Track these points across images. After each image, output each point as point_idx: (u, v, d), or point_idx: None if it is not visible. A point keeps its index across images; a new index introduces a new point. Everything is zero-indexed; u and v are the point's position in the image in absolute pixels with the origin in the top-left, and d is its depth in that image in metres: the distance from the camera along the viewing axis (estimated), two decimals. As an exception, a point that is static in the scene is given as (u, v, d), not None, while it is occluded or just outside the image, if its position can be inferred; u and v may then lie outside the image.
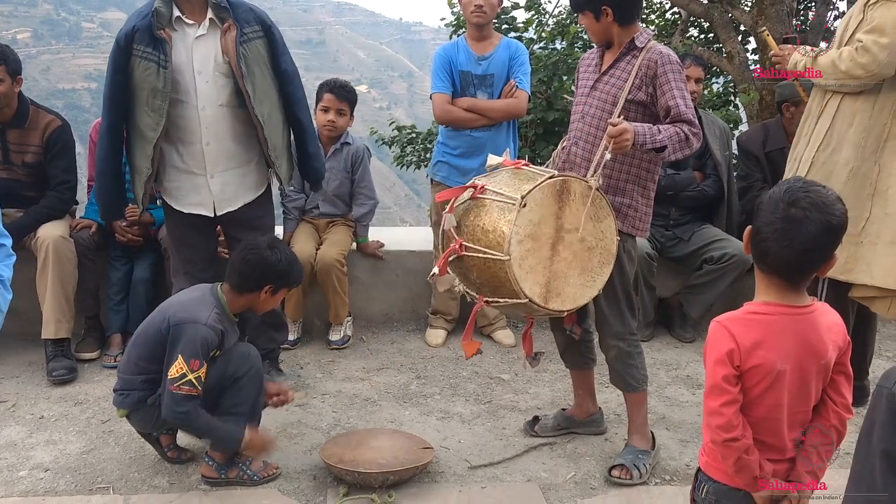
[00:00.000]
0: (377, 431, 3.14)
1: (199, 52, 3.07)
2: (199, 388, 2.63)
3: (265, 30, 3.14)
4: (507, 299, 2.59)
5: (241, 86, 3.04)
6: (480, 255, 2.57)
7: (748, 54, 7.77)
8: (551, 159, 3.03)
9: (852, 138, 3.06)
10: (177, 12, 3.05)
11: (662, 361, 4.02)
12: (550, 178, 2.57)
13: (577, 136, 2.88)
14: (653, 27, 8.94)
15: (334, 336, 4.08)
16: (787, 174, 3.39)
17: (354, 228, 4.24)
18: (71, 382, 3.56)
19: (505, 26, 7.12)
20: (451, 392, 3.61)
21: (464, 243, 2.61)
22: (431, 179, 4.19)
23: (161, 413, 2.66)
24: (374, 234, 4.43)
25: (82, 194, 4.12)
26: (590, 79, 2.89)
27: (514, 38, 6.98)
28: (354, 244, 4.25)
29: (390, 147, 8.16)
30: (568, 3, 8.51)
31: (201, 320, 2.66)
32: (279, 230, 3.94)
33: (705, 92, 8.09)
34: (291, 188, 3.47)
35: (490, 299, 2.64)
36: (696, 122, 2.70)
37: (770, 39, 3.61)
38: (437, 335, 4.18)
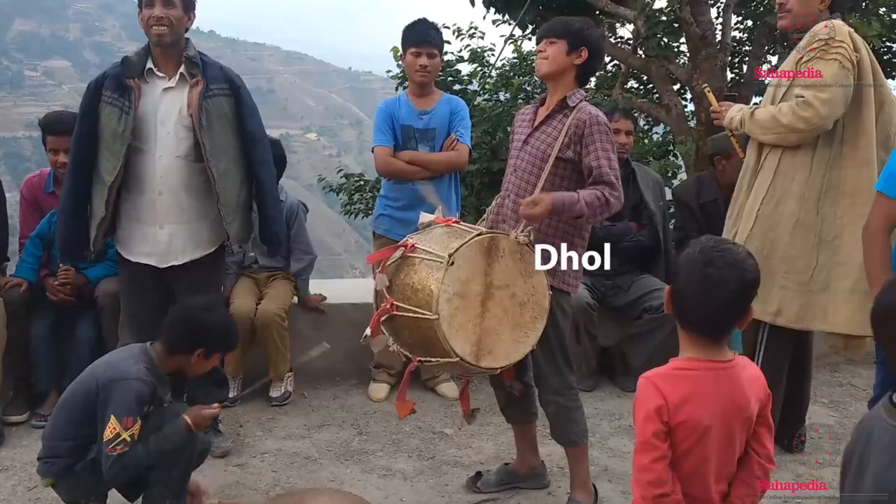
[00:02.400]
0: (317, 491, 3.07)
1: (164, 104, 3.12)
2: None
3: (233, 89, 3.20)
4: (439, 358, 2.58)
5: (199, 137, 3.06)
6: (411, 314, 2.56)
7: (686, 105, 8.05)
8: (486, 214, 3.06)
9: (795, 191, 3.14)
10: (150, 64, 3.13)
11: (605, 411, 4.03)
12: (478, 235, 2.59)
13: (509, 190, 2.92)
14: (594, 79, 9.19)
15: (275, 392, 4.00)
16: (729, 228, 3.44)
17: (295, 282, 4.20)
18: (-4, 448, 3.42)
19: (450, 79, 7.25)
20: (394, 448, 3.56)
21: (395, 303, 2.60)
22: (374, 232, 4.19)
23: (102, 478, 2.55)
24: (317, 286, 4.38)
25: (17, 248, 3.99)
26: (523, 133, 2.94)
27: (459, 90, 7.13)
28: (296, 298, 4.21)
29: (338, 194, 8.17)
30: (527, 43, 8.73)
31: (131, 375, 2.58)
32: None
33: (645, 141, 8.33)
34: (239, 248, 3.43)
35: (423, 359, 2.63)
36: (618, 184, 2.73)
37: (710, 95, 3.70)
38: (379, 389, 4.13)
